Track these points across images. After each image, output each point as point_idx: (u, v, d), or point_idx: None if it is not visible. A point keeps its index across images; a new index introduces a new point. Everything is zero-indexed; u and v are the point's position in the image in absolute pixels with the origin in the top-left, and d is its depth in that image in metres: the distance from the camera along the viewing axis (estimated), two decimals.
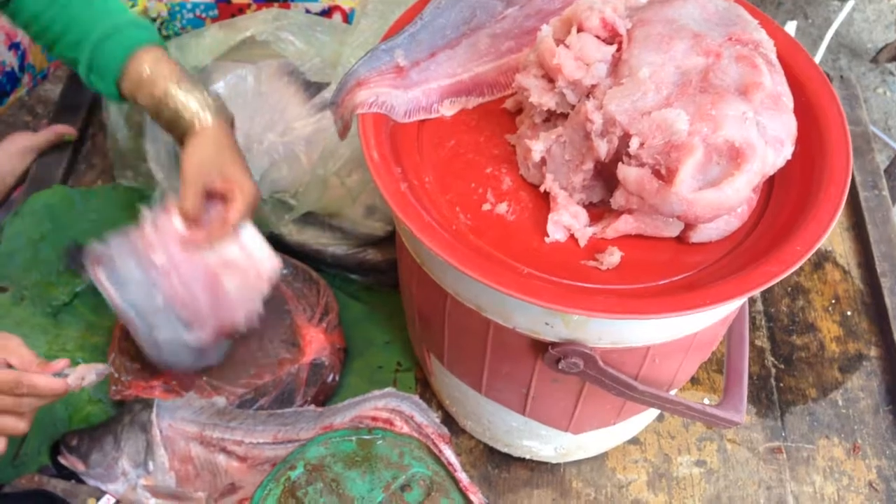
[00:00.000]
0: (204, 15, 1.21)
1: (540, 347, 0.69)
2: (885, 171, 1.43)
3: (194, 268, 0.85)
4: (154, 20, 1.20)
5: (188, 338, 0.87)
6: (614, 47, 0.66)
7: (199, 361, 0.91)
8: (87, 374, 0.78)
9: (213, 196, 0.87)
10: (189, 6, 1.20)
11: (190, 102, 0.88)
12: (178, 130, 0.90)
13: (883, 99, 1.83)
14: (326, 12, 1.25)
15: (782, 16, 1.31)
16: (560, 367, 0.69)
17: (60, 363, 0.77)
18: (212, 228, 0.85)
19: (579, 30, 0.68)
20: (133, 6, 1.17)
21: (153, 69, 0.88)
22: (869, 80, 1.86)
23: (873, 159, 1.20)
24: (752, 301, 1.08)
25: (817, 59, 1.13)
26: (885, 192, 1.17)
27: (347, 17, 1.25)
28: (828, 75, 1.28)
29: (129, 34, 0.89)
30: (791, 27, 1.13)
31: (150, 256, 0.84)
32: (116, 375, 0.92)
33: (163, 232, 0.85)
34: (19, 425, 0.74)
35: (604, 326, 0.66)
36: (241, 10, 1.22)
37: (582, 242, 0.68)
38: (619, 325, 0.66)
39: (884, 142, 1.69)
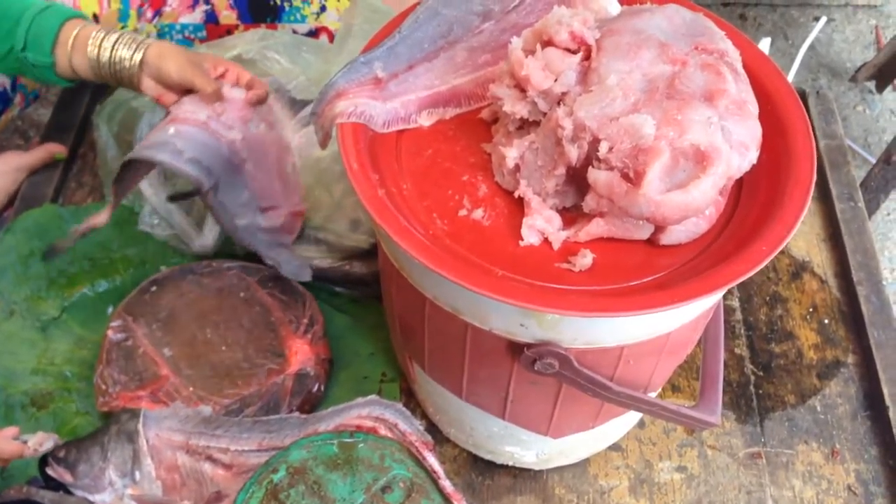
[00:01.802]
0: (193, 36, 1.24)
1: (516, 349, 0.71)
2: (862, 183, 1.46)
3: (264, 149, 0.98)
4: None
5: (264, 223, 0.98)
6: (580, 56, 0.69)
7: (275, 240, 1.00)
8: (45, 441, 0.85)
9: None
10: (178, 27, 1.23)
11: (120, 50, 0.97)
12: (126, 78, 0.99)
13: (863, 116, 1.86)
14: (313, 33, 1.28)
15: (762, 36, 1.34)
16: (536, 369, 0.71)
17: (11, 430, 0.83)
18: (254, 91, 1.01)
19: (549, 43, 0.71)
20: (124, 27, 1.19)
21: (80, 32, 0.98)
22: (849, 99, 1.90)
23: (849, 172, 1.23)
24: (731, 310, 1.10)
25: (792, 74, 1.16)
26: (861, 204, 1.19)
27: (333, 38, 1.28)
28: (805, 91, 1.32)
29: (58, 9, 0.99)
30: (765, 44, 1.16)
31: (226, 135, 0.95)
32: (104, 387, 0.94)
33: (231, 103, 0.98)
34: None
35: (577, 326, 0.68)
36: (229, 31, 1.25)
37: (555, 246, 0.70)
38: (593, 325, 0.68)
39: (862, 157, 1.73)
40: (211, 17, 1.24)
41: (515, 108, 0.71)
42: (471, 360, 0.76)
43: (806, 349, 1.07)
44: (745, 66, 0.73)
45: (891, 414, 0.99)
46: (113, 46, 0.97)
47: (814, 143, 0.73)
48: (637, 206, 0.65)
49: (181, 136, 0.92)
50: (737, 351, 1.06)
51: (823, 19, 1.06)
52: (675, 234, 0.70)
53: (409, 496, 0.73)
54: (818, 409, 1.02)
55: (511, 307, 0.66)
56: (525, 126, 0.73)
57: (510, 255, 0.70)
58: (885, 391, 1.01)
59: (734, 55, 0.72)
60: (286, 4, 1.26)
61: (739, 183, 0.74)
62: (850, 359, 1.06)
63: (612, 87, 0.66)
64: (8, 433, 0.82)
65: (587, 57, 0.70)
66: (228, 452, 0.85)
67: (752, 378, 1.04)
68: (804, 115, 0.74)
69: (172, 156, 0.90)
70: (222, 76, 1.00)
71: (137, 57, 0.97)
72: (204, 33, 1.25)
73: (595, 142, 0.66)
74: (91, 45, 0.98)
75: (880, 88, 1.88)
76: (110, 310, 1.03)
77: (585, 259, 0.69)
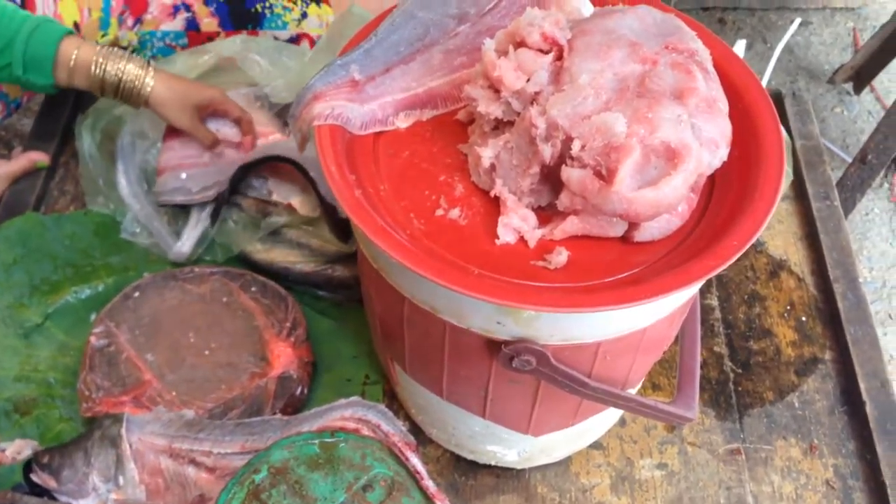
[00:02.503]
0: (174, 43, 1.25)
1: (494, 347, 0.72)
2: (838, 183, 1.47)
3: None
4: (125, 49, 1.23)
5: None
6: (552, 56, 0.70)
7: None
8: (23, 449, 0.86)
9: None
10: (159, 35, 1.24)
11: (127, 68, 1.04)
12: (130, 96, 1.06)
13: (841, 118, 1.88)
14: (294, 40, 1.29)
15: (741, 39, 1.36)
16: (514, 366, 0.72)
17: None
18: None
19: (522, 45, 0.72)
20: (104, 35, 1.20)
21: (79, 55, 1.02)
22: (827, 101, 1.92)
23: (825, 171, 1.25)
24: (710, 309, 1.11)
25: (767, 75, 1.17)
26: (837, 203, 1.21)
27: (315, 45, 1.29)
28: (781, 92, 1.34)
29: (49, 28, 1.02)
30: (740, 46, 1.18)
31: None
32: (87, 393, 0.94)
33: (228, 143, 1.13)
34: None
35: (553, 322, 0.69)
36: (210, 38, 1.25)
37: (531, 244, 0.71)
38: (568, 321, 0.69)
39: (840, 158, 1.75)
40: (192, 25, 1.24)
41: (490, 108, 0.72)
42: (450, 358, 0.77)
43: (784, 346, 1.08)
44: (715, 66, 0.74)
45: (868, 409, 1.00)
46: (117, 72, 1.04)
47: (783, 139, 0.74)
48: (610, 202, 0.66)
49: (191, 178, 1.10)
50: (716, 349, 1.07)
51: (798, 20, 1.08)
52: (649, 231, 0.71)
53: (389, 494, 0.74)
54: (796, 405, 1.03)
55: (488, 304, 0.67)
56: (500, 126, 0.74)
57: (487, 254, 0.71)
58: (862, 387, 1.02)
59: (704, 54, 0.73)
60: (267, 11, 1.27)
61: (712, 180, 0.75)
62: (828, 355, 1.07)
63: (583, 86, 0.67)
64: None
65: (559, 57, 0.71)
66: (211, 455, 0.85)
67: (732, 375, 1.05)
68: (774, 112, 0.76)
69: (187, 197, 1.09)
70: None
71: (145, 91, 1.06)
72: (185, 41, 1.25)
73: (568, 140, 0.67)
74: (94, 68, 1.03)
75: (858, 90, 1.90)
76: (93, 317, 1.03)
77: (561, 256, 0.70)
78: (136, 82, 1.05)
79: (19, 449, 0.86)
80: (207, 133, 1.11)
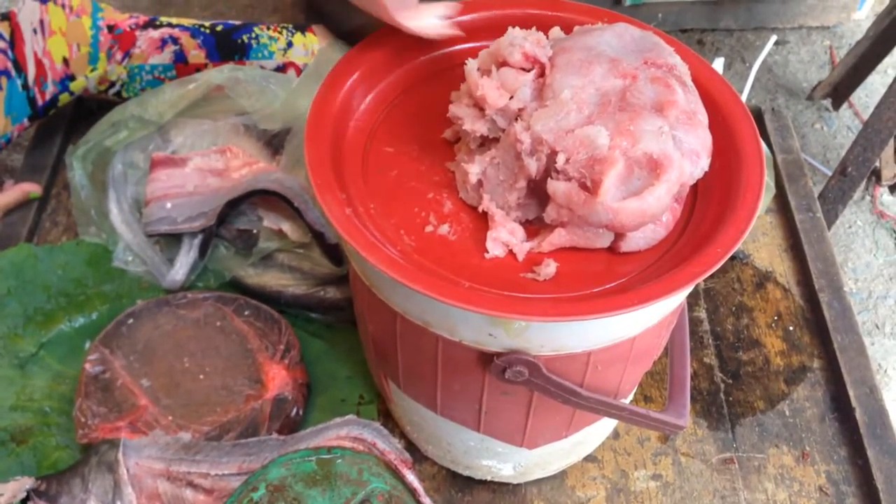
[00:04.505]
0: (162, 76, 1.26)
1: (486, 359, 0.73)
2: (820, 195, 1.50)
3: None
4: (114, 83, 1.25)
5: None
6: (534, 73, 0.72)
7: None
8: (18, 490, 0.87)
9: None
10: (148, 68, 1.25)
11: None
12: None
13: (821, 133, 1.91)
14: (281, 69, 1.31)
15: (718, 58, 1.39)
16: (507, 377, 0.73)
17: None
18: None
19: (504, 64, 0.74)
20: (94, 70, 1.22)
21: None
22: (806, 118, 1.95)
23: (806, 184, 1.27)
24: (698, 321, 1.12)
25: (746, 91, 1.20)
26: (820, 215, 1.23)
27: (301, 72, 1.31)
28: (761, 109, 1.36)
29: None
30: (718, 63, 1.21)
31: None
32: (83, 420, 0.95)
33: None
34: None
35: (544, 333, 0.70)
36: (197, 69, 1.27)
37: (520, 257, 0.73)
38: (559, 331, 0.70)
39: (822, 173, 1.78)
40: (180, 57, 1.26)
41: (475, 126, 0.74)
42: (443, 372, 0.78)
43: (773, 356, 1.10)
44: (694, 80, 0.76)
45: (857, 415, 1.01)
46: None
47: (763, 149, 0.76)
48: (596, 213, 0.68)
49: (176, 208, 1.12)
50: (706, 360, 1.09)
51: (773, 38, 1.11)
52: (635, 241, 0.73)
53: None
54: (787, 413, 1.04)
55: (479, 316, 0.68)
56: (486, 143, 0.76)
57: (476, 268, 0.72)
58: (851, 393, 1.03)
59: (683, 69, 0.75)
60: (253, 42, 1.29)
61: (694, 191, 0.77)
62: (816, 363, 1.09)
63: (566, 101, 0.69)
64: None
65: (541, 74, 0.73)
66: (209, 477, 0.86)
67: (722, 386, 1.06)
68: (752, 122, 0.78)
69: (172, 226, 1.10)
70: None
71: None
72: (174, 73, 1.27)
73: (553, 154, 0.69)
74: None
75: (836, 106, 1.94)
76: (87, 345, 1.04)
77: (549, 268, 0.71)
78: None
79: (14, 492, 0.86)
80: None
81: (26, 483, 0.87)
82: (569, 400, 0.75)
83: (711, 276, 1.14)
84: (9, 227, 1.17)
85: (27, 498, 0.89)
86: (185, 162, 1.15)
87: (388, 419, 1.01)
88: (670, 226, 0.74)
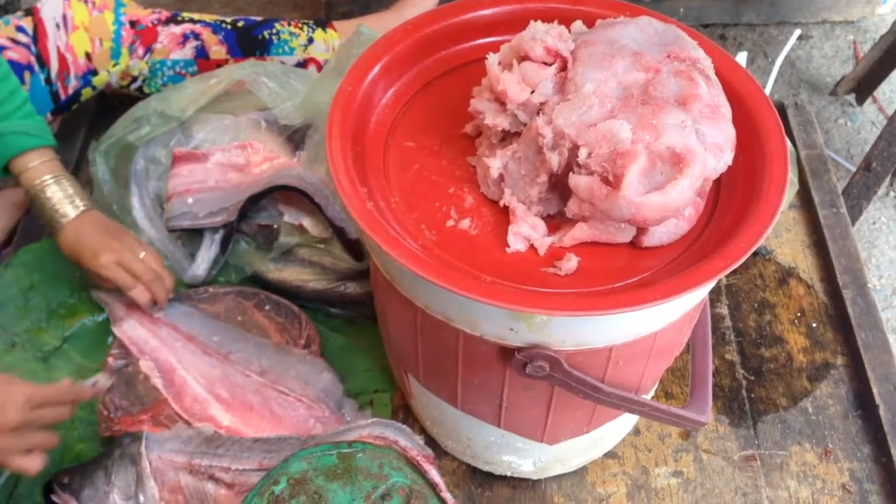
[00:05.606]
0: (184, 71, 1.27)
1: (507, 354, 0.73)
2: (844, 191, 1.48)
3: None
4: (136, 78, 1.26)
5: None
6: (555, 67, 0.71)
7: None
8: (99, 380, 0.97)
9: None
10: (169, 63, 1.26)
11: (56, 195, 1.01)
12: (45, 218, 1.02)
13: (844, 129, 1.89)
14: (301, 65, 1.31)
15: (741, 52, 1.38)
16: (527, 372, 0.73)
17: (66, 381, 0.87)
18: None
19: (526, 59, 0.74)
20: (116, 65, 1.22)
21: (24, 175, 1.01)
22: (830, 113, 1.93)
23: (830, 180, 1.26)
24: (721, 317, 1.12)
25: (769, 86, 1.19)
26: (843, 210, 1.22)
27: (322, 68, 1.31)
28: (784, 104, 1.35)
29: (18, 141, 1.00)
30: (742, 58, 1.20)
31: None
32: (106, 413, 0.95)
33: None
34: (54, 439, 0.84)
35: (566, 327, 0.70)
36: (219, 65, 1.28)
37: (541, 251, 0.72)
38: (580, 326, 0.70)
39: (846, 169, 1.76)
40: (201, 53, 1.26)
41: (496, 120, 0.74)
42: (464, 367, 0.77)
43: (795, 353, 1.09)
44: (717, 74, 0.76)
45: (881, 412, 1.00)
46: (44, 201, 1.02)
47: (787, 143, 0.76)
48: (618, 208, 0.68)
49: (197, 203, 1.12)
50: (728, 357, 1.08)
51: (797, 32, 1.10)
52: (657, 236, 0.72)
53: (408, 503, 0.75)
54: (810, 410, 1.03)
55: (500, 311, 0.68)
56: (507, 138, 0.76)
57: (498, 262, 0.72)
58: (875, 390, 1.02)
59: (706, 62, 0.74)
60: (274, 38, 1.29)
61: (717, 185, 0.76)
62: (839, 360, 1.08)
63: (588, 95, 0.69)
64: (65, 383, 0.86)
65: (563, 68, 0.72)
66: (230, 472, 0.86)
67: (744, 382, 1.06)
68: (776, 116, 0.77)
69: (193, 221, 1.10)
70: None
71: (58, 227, 1.02)
72: (195, 68, 1.27)
73: (574, 148, 0.68)
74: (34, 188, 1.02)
75: (860, 101, 1.92)
76: (110, 339, 1.05)
77: (571, 263, 0.71)
78: (55, 216, 1.02)
79: (96, 379, 0.99)
80: (127, 283, 1.01)
81: (102, 377, 0.97)
82: (590, 395, 0.75)
83: (734, 272, 1.14)
84: (32, 223, 1.18)
85: (51, 490, 0.90)
86: (207, 157, 1.16)
87: (409, 414, 1.01)
88: (693, 220, 0.74)
